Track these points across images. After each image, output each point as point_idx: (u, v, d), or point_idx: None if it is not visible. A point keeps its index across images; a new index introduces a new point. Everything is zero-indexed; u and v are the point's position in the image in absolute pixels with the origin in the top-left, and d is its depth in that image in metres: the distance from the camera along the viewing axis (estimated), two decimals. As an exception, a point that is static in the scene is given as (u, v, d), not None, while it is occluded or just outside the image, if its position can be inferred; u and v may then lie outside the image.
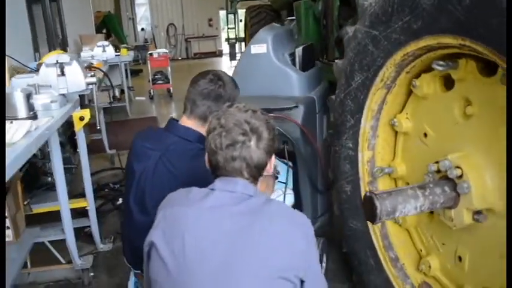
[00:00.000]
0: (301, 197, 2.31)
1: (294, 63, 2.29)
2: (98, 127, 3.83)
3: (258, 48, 2.21)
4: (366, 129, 1.86)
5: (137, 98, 8.07)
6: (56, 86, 2.03)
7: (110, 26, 10.69)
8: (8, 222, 2.23)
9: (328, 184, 2.27)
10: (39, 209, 2.68)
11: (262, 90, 2.24)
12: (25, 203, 2.73)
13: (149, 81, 7.95)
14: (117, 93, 6.98)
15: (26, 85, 1.99)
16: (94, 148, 4.39)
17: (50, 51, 5.32)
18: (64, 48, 5.90)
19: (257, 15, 7.86)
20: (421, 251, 1.79)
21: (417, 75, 1.64)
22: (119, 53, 4.25)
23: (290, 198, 2.32)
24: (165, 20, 15.00)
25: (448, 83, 1.55)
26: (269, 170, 1.31)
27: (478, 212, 1.41)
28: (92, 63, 3.81)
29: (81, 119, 2.57)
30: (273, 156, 1.31)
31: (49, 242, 2.62)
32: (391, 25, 1.53)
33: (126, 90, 6.48)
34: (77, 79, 2.04)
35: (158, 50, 7.95)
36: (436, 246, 1.69)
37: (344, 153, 1.98)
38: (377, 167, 1.87)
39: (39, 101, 1.99)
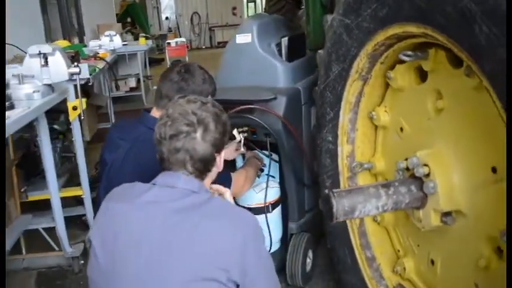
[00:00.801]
0: (286, 191, 2.25)
1: (281, 54, 2.22)
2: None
3: (243, 37, 2.15)
4: (345, 122, 1.78)
5: (155, 87, 8.12)
6: (39, 76, 2.03)
7: (133, 15, 10.79)
8: (-2, 210, 2.29)
9: (314, 178, 2.20)
10: (34, 196, 2.74)
11: (246, 80, 2.18)
12: (22, 190, 2.80)
13: (168, 70, 7.97)
14: (133, 83, 7.08)
15: (11, 75, 2.02)
16: (102, 137, 4.45)
17: (65, 39, 5.43)
18: (81, 38, 6.01)
19: (276, 4, 7.73)
20: (399, 251, 1.71)
21: (392, 67, 1.55)
22: (126, 42, 4.24)
23: (275, 192, 2.27)
24: (189, 9, 15.03)
25: (423, 75, 1.46)
26: (219, 165, 1.27)
27: (446, 214, 1.32)
28: (98, 53, 3.85)
29: (74, 108, 2.59)
30: (222, 152, 1.26)
31: (45, 229, 2.68)
32: (361, 13, 1.45)
33: (142, 79, 6.52)
34: (60, 69, 2.04)
35: (176, 39, 7.96)
36: (411, 248, 1.61)
37: (325, 147, 1.91)
38: (356, 162, 1.79)
39: (23, 90, 2.01)
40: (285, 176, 2.21)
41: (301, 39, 2.24)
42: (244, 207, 2.25)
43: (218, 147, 1.22)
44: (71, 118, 2.63)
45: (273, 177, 2.33)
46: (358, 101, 1.72)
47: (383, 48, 1.47)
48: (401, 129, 1.58)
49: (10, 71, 2.00)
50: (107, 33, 4.16)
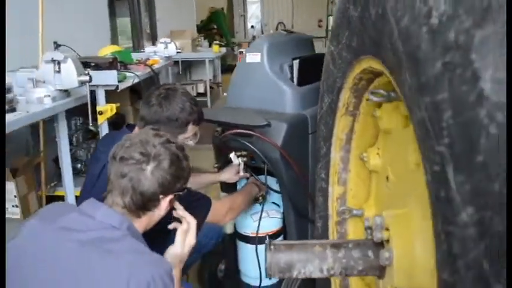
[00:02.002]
0: (286, 223, 2.09)
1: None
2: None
3: (253, 56, 2.03)
4: (336, 160, 1.58)
5: (225, 94, 8.26)
6: (52, 81, 2.10)
7: (216, 23, 11.10)
8: (16, 202, 2.41)
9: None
10: (60, 191, 2.86)
11: (253, 102, 2.06)
12: (52, 184, 2.95)
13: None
14: (201, 89, 7.26)
15: (27, 79, 2.11)
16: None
17: (134, 45, 5.70)
18: (153, 43, 6.27)
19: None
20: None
21: (380, 104, 1.33)
22: (180, 50, 4.30)
23: (275, 223, 2.12)
24: (275, 19, 15.10)
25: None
26: (162, 209, 1.19)
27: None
28: (148, 59, 3.95)
29: (100, 113, 2.67)
30: (170, 197, 1.18)
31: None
32: (340, 40, 1.26)
33: (208, 86, 6.66)
34: (71, 76, 2.09)
35: (248, 48, 8.00)
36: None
37: (318, 184, 1.72)
38: (344, 207, 1.58)
39: (35, 94, 2.10)
40: (284, 207, 2.05)
41: (316, 61, 2.06)
42: (241, 234, 2.14)
43: (166, 189, 1.15)
44: (98, 122, 2.72)
45: (278, 205, 2.19)
46: (350, 138, 1.52)
47: (364, 83, 1.27)
48: (387, 178, 1.35)
49: (26, 74, 2.09)
50: (162, 40, 4.25)
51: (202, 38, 8.54)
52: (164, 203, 1.18)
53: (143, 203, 1.13)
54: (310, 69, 2.06)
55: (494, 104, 0.45)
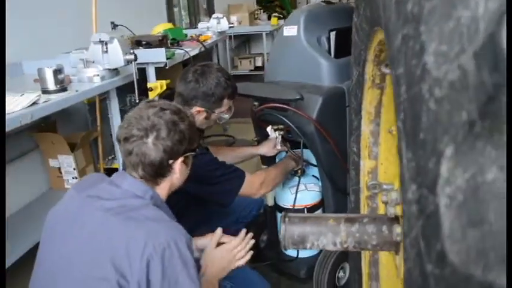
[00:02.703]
0: (323, 196, 2.09)
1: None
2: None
3: (290, 30, 2.01)
4: (366, 134, 1.55)
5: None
6: (101, 61, 2.23)
7: (277, -5, 10.92)
8: (75, 174, 2.62)
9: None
10: (117, 164, 3.06)
11: (291, 76, 2.05)
12: (109, 158, 3.15)
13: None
14: (259, 62, 7.26)
15: (79, 59, 2.26)
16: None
17: (190, 20, 5.80)
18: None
19: None
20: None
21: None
22: (232, 25, 4.33)
23: (313, 196, 2.13)
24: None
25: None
26: (179, 172, 1.25)
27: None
28: (201, 35, 4.03)
29: (150, 89, 2.80)
30: (180, 159, 1.23)
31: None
32: (359, 11, 1.22)
33: (266, 59, 6.64)
34: (117, 56, 2.20)
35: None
36: None
37: (351, 158, 1.70)
38: (374, 182, 1.55)
39: (86, 74, 2.24)
40: (321, 181, 2.05)
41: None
42: (280, 206, 2.18)
43: (172, 154, 1.21)
44: (149, 98, 2.86)
45: (318, 179, 2.19)
46: (379, 112, 1.48)
47: (384, 55, 1.22)
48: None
49: (78, 55, 2.23)
50: (214, 15, 4.30)
51: (262, 10, 8.47)
52: (177, 166, 1.23)
53: (156, 172, 1.20)
54: (347, 41, 2.00)
55: (435, 79, 0.44)
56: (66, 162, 2.52)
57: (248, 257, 1.45)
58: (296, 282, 2.21)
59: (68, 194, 1.23)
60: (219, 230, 1.49)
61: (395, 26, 0.56)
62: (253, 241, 1.52)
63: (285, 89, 1.86)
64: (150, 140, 1.17)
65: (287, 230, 1.14)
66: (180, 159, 1.23)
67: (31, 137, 2.56)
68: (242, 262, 1.44)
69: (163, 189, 1.25)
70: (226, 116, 1.82)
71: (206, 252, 1.43)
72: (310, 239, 1.14)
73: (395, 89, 0.55)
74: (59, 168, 2.58)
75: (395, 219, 1.11)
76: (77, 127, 2.94)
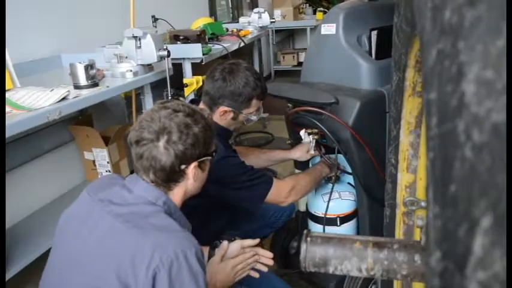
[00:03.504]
0: (358, 206, 1.97)
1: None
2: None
3: (328, 28, 1.89)
4: (405, 145, 1.42)
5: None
6: (134, 56, 2.20)
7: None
8: (109, 167, 2.63)
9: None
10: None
11: (328, 77, 1.93)
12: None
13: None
14: (303, 58, 7.10)
15: (112, 54, 2.25)
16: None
17: (233, 14, 5.74)
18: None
19: None
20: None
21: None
22: (274, 20, 4.22)
23: (348, 205, 2.01)
24: (389, -20, 14.07)
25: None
26: (192, 178, 1.18)
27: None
28: (241, 30, 3.96)
29: (185, 85, 2.76)
30: (194, 164, 1.16)
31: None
32: (400, 10, 1.09)
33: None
34: (149, 52, 2.16)
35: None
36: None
37: (388, 169, 1.57)
38: (411, 198, 1.42)
39: (119, 69, 2.22)
40: (356, 190, 1.93)
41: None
42: (311, 213, 2.08)
43: (185, 159, 1.15)
44: (185, 94, 2.83)
45: (353, 187, 2.07)
46: (420, 122, 1.34)
47: (428, 61, 1.09)
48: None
49: (112, 50, 2.21)
50: (256, 10, 4.21)
51: (307, 5, 8.28)
52: (190, 172, 1.17)
53: (167, 176, 1.15)
54: (390, 41, 1.85)
55: (475, 117, 0.33)
56: (100, 156, 2.53)
57: (244, 274, 1.44)
58: (325, 293, 2.10)
59: (81, 196, 1.19)
60: (225, 244, 1.44)
61: (430, 37, 0.45)
62: (270, 254, 1.47)
63: (319, 91, 1.75)
64: (161, 143, 1.12)
65: (308, 251, 1.05)
66: (194, 164, 1.17)
67: (68, 130, 2.58)
68: (243, 276, 1.43)
69: (176, 194, 1.19)
70: (254, 118, 1.74)
71: (211, 264, 1.37)
72: (333, 262, 1.04)
73: (427, 119, 0.44)
74: (94, 161, 2.59)
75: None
76: (114, 120, 2.95)
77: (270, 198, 1.68)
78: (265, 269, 1.46)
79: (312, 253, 1.04)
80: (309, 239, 1.05)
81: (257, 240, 1.51)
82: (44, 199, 2.42)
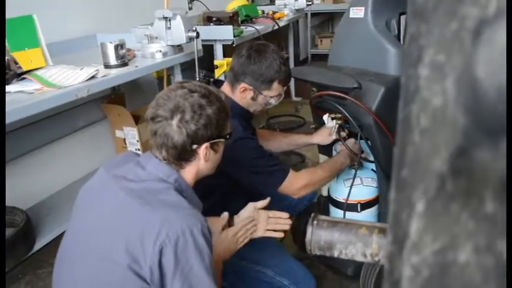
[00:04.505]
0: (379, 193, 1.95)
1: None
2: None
3: (356, 11, 1.85)
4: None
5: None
6: (164, 37, 2.24)
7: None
8: (138, 146, 2.71)
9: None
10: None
11: (355, 61, 1.90)
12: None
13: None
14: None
15: (143, 35, 2.29)
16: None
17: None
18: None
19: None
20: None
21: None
22: (310, 2, 4.14)
23: (369, 191, 1.99)
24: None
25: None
26: (204, 158, 1.21)
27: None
28: (276, 12, 3.92)
29: (216, 67, 2.79)
30: (205, 145, 1.19)
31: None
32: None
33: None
34: (178, 33, 2.19)
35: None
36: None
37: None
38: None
39: (149, 49, 2.27)
40: (378, 176, 1.91)
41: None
42: (332, 198, 2.08)
43: (196, 139, 1.17)
44: (215, 75, 2.85)
45: (374, 171, 2.04)
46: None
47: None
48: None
49: (143, 31, 2.26)
50: (292, -8, 4.15)
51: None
52: (201, 152, 1.19)
53: (179, 155, 1.17)
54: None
55: (424, 102, 0.33)
56: (131, 134, 2.61)
57: (246, 240, 1.49)
58: (343, 278, 2.11)
59: (98, 172, 1.24)
60: (226, 214, 1.51)
61: (407, 20, 0.44)
62: (286, 214, 1.56)
63: (343, 75, 1.72)
64: (174, 122, 1.14)
65: (314, 234, 1.05)
66: (205, 145, 1.19)
67: (100, 108, 2.68)
68: (246, 241, 1.48)
69: (189, 173, 1.22)
70: (273, 102, 1.73)
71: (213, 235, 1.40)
72: (338, 246, 1.04)
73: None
74: (124, 139, 2.68)
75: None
76: (146, 100, 3.02)
77: (283, 188, 1.67)
78: (282, 231, 1.53)
79: (317, 236, 1.05)
80: (315, 222, 1.06)
81: (268, 200, 1.56)
82: (76, 175, 2.53)
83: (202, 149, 1.19)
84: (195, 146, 1.17)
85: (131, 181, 1.14)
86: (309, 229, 1.06)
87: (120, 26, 2.76)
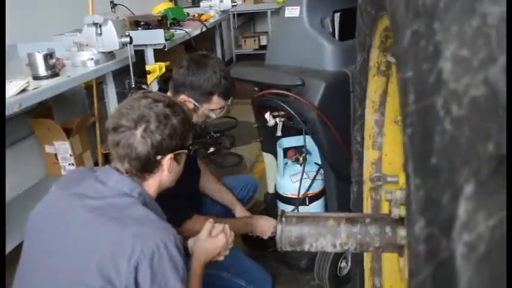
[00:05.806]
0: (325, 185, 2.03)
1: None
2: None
3: (291, 10, 1.90)
4: (370, 123, 1.47)
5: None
6: (95, 44, 2.14)
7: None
8: (72, 160, 2.56)
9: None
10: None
11: (292, 60, 1.95)
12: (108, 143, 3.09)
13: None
14: (264, 41, 7.09)
15: (72, 42, 2.17)
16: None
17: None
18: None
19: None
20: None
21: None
22: (235, 3, 4.18)
23: (316, 184, 2.05)
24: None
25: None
26: (167, 169, 1.18)
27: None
28: (202, 14, 3.91)
29: (148, 72, 2.71)
30: (169, 156, 1.16)
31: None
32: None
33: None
34: (111, 39, 2.11)
35: None
36: None
37: (354, 147, 1.62)
38: (378, 174, 1.48)
39: (80, 57, 2.16)
40: (323, 169, 1.98)
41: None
42: (280, 195, 2.12)
43: (161, 149, 1.14)
44: (148, 81, 2.78)
45: (321, 166, 2.11)
46: (384, 100, 1.39)
47: (391, 41, 1.13)
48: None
49: (71, 38, 2.14)
50: (217, -6, 4.16)
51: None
52: (165, 163, 1.16)
53: (142, 166, 1.14)
54: (353, 22, 1.89)
55: (453, 93, 0.36)
56: (62, 149, 2.46)
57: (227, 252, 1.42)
58: (297, 272, 2.16)
59: (51, 193, 1.16)
60: (211, 220, 1.43)
61: (403, 19, 0.47)
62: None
63: (285, 74, 1.77)
64: (138, 132, 1.11)
65: (284, 231, 1.07)
66: (169, 156, 1.16)
67: (27, 123, 2.49)
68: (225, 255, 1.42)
69: (151, 186, 1.18)
70: (213, 115, 1.71)
71: (199, 241, 1.36)
72: (308, 240, 1.07)
73: (402, 96, 0.46)
74: (55, 155, 2.52)
75: (400, 220, 1.04)
76: (75, 111, 2.87)
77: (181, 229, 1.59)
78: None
79: (287, 232, 1.07)
80: (284, 219, 1.08)
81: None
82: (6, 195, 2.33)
83: (167, 160, 1.16)
84: (159, 157, 1.14)
85: (93, 198, 1.08)
86: (279, 226, 1.08)
87: (40, 35, 2.58)
